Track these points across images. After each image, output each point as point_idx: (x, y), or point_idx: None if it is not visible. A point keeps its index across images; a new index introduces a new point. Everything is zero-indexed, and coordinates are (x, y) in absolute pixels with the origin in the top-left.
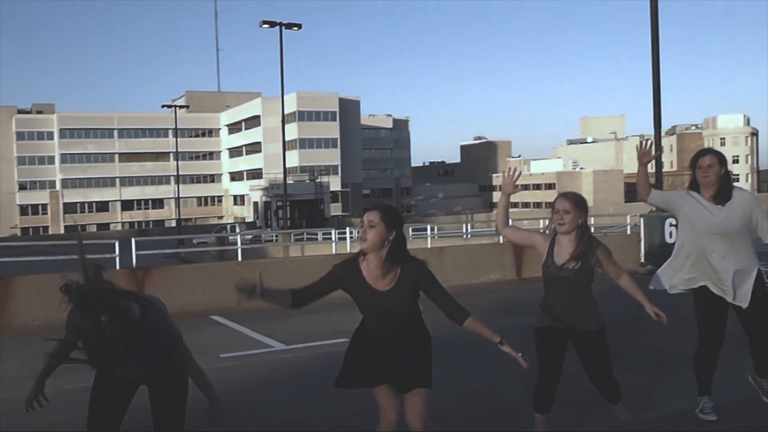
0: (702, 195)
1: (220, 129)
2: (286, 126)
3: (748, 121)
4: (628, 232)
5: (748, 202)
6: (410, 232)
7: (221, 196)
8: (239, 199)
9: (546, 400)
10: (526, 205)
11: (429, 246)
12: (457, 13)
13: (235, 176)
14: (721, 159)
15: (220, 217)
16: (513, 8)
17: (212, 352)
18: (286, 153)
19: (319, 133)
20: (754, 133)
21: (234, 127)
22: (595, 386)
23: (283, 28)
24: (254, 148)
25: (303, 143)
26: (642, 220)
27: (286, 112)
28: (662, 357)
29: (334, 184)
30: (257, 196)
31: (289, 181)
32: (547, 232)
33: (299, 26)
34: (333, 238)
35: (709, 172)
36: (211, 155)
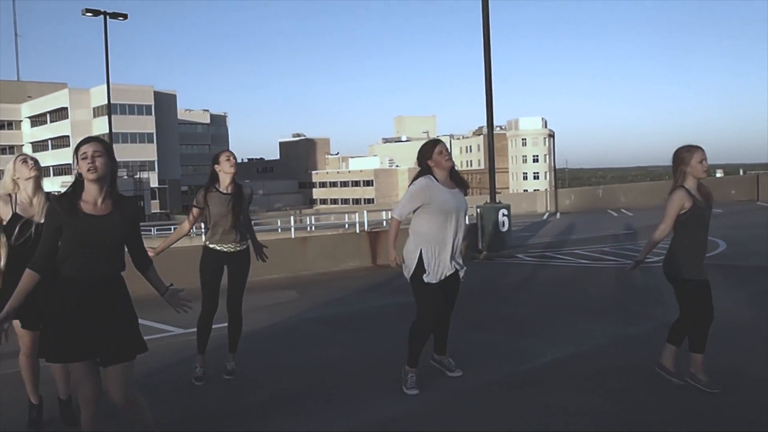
0: (439, 179)
1: (21, 121)
2: (97, 119)
3: (545, 124)
4: (467, 221)
5: None
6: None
7: None
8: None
9: None
10: (345, 201)
11: (293, 236)
12: (275, 9)
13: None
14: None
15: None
16: (331, 7)
17: None
18: None
19: (133, 127)
20: (551, 135)
21: (38, 120)
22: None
23: (108, 17)
24: (62, 142)
25: (116, 137)
26: (478, 210)
27: (97, 105)
28: (517, 320)
29: (151, 180)
30: None
31: None
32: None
33: (125, 16)
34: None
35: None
36: (12, 149)
